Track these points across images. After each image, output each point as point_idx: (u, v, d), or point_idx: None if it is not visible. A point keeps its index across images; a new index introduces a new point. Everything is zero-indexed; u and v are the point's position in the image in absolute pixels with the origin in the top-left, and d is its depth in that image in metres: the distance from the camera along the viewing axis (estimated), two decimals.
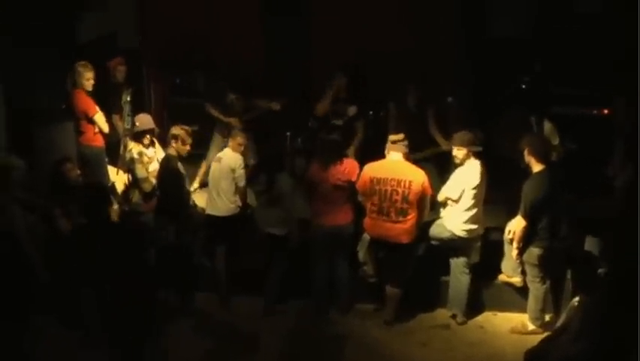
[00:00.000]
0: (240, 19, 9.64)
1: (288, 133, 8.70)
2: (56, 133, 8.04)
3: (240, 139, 7.56)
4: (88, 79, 8.03)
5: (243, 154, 7.57)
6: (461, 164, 7.08)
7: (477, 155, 7.09)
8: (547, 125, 7.71)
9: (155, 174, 7.49)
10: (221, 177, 7.46)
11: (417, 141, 7.48)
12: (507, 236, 7.03)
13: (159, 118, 8.81)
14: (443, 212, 7.25)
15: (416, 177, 6.98)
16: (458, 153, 7.08)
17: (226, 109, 8.67)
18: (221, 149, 7.88)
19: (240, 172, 7.44)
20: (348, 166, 7.26)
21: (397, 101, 8.25)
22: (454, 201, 7.09)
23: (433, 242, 7.32)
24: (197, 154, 8.50)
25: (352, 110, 8.33)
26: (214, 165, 7.62)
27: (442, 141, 7.99)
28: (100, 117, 8.14)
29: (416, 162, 7.40)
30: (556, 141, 7.64)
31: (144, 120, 7.72)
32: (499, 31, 9.27)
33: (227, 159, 7.49)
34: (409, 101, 8.15)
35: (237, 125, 8.42)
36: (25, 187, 6.80)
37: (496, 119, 8.21)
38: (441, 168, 7.91)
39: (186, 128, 7.33)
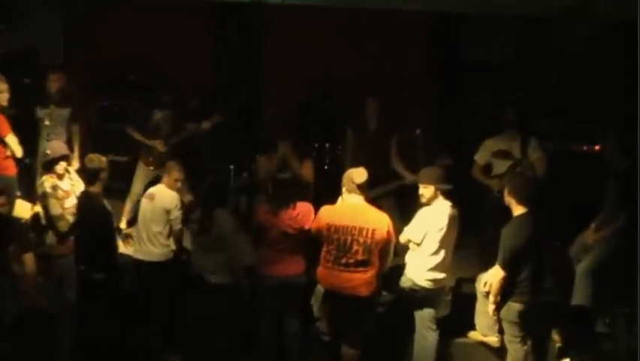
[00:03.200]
0: (185, 38, 9.77)
1: (232, 166, 8.68)
2: None
3: (176, 174, 7.37)
4: (1, 91, 7.80)
5: (179, 191, 7.41)
6: (428, 203, 6.88)
7: (447, 194, 6.90)
8: (533, 143, 7.74)
9: (73, 210, 7.21)
10: (154, 218, 7.28)
11: (376, 173, 7.27)
12: (482, 288, 6.83)
13: (82, 146, 8.64)
14: (406, 258, 7.08)
15: (380, 223, 6.69)
16: (425, 191, 6.87)
17: (150, 131, 8.51)
18: (146, 181, 7.78)
19: (177, 214, 7.28)
20: (301, 211, 7.00)
21: (355, 125, 8.23)
22: (416, 244, 6.90)
23: (395, 294, 7.15)
24: (123, 188, 8.51)
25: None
26: (144, 204, 7.40)
27: (405, 173, 7.96)
28: (12, 139, 7.83)
29: (376, 198, 7.28)
30: (539, 154, 7.70)
31: (56, 147, 7.45)
32: (478, 54, 9.53)
33: (162, 198, 7.31)
34: (368, 124, 8.10)
35: (161, 149, 8.37)
36: None
37: (471, 143, 8.22)
38: (403, 202, 7.92)
39: (101, 157, 7.09)
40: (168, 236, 7.28)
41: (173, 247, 7.32)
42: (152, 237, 7.24)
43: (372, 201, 7.03)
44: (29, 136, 8.27)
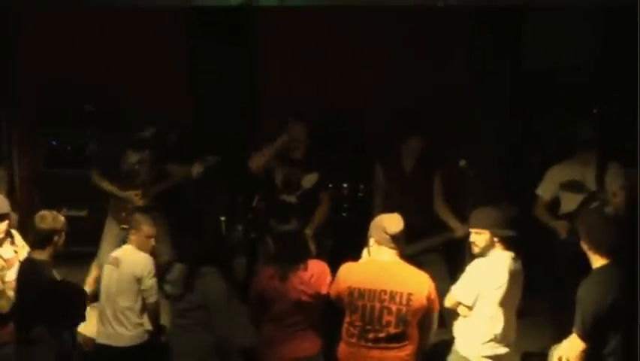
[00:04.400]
0: (157, 55, 9.98)
1: (223, 218, 8.85)
2: None
3: (147, 229, 7.39)
4: None
5: (152, 253, 7.43)
6: (481, 254, 6.88)
7: (506, 242, 6.84)
8: (613, 170, 7.74)
9: (14, 285, 7.16)
10: (120, 290, 7.28)
11: (415, 223, 7.24)
12: None
13: (26, 198, 8.91)
14: (454, 327, 7.07)
15: (418, 286, 6.61)
16: (477, 238, 6.86)
17: (123, 179, 8.51)
18: (119, 243, 7.74)
19: (150, 283, 7.28)
20: (314, 272, 6.94)
21: (387, 162, 8.30)
22: (467, 308, 6.86)
23: None
24: (84, 252, 8.53)
25: (310, 180, 8.19)
26: (107, 272, 7.41)
27: (454, 222, 8.02)
28: None
29: (414, 256, 7.24)
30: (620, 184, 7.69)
31: None
32: (535, 61, 9.70)
33: (129, 262, 7.32)
34: (404, 162, 8.16)
35: (139, 202, 8.44)
36: None
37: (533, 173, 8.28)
38: (453, 258, 7.97)
39: (58, 215, 7.01)
40: (141, 312, 7.30)
41: (148, 326, 7.32)
42: (120, 314, 7.23)
43: (410, 258, 7.01)
44: None
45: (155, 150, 8.74)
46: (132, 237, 7.41)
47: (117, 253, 7.46)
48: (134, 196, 8.49)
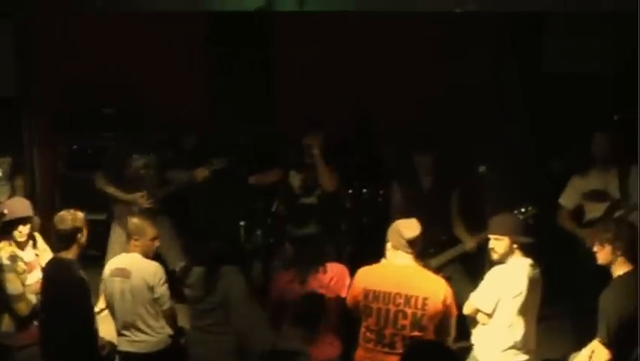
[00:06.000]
0: (175, 58, 10.00)
1: (242, 223, 8.75)
2: None
3: (150, 231, 7.26)
4: None
5: (152, 257, 7.32)
6: (500, 261, 6.86)
7: (525, 249, 6.84)
8: (635, 176, 7.71)
9: (37, 288, 7.18)
10: (136, 299, 7.18)
11: (430, 237, 7.24)
12: None
13: (47, 202, 8.91)
14: (473, 335, 7.03)
15: (434, 290, 6.57)
16: (496, 245, 6.87)
17: (128, 183, 8.55)
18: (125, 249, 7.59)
19: (162, 290, 7.19)
20: (334, 274, 6.95)
21: (403, 177, 8.34)
22: (486, 315, 6.85)
23: None
24: (102, 256, 8.42)
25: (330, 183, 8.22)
26: (118, 285, 7.22)
27: (465, 237, 8.10)
28: None
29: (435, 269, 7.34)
30: None
31: (16, 206, 7.47)
32: (555, 64, 9.68)
33: (139, 271, 7.19)
34: (421, 179, 8.22)
35: (145, 204, 8.44)
36: None
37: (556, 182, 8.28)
38: (472, 267, 7.95)
39: (77, 213, 7.01)
40: (159, 317, 7.26)
41: (168, 330, 7.29)
42: (141, 322, 7.19)
43: (434, 269, 7.10)
44: None
45: (160, 154, 8.76)
46: (136, 243, 7.25)
47: (124, 264, 7.27)
48: (140, 198, 8.48)
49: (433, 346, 5.59)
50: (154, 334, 7.22)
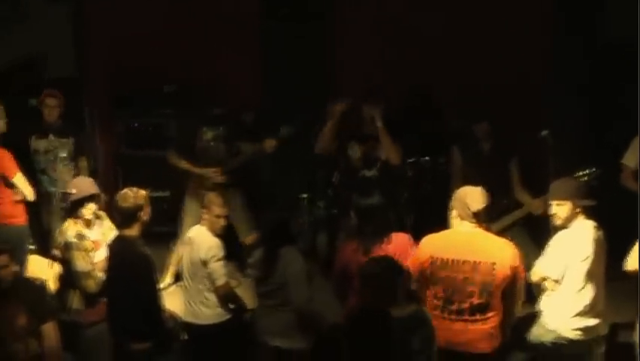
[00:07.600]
0: (229, 35, 10.00)
1: (304, 195, 8.85)
2: None
3: (216, 209, 7.37)
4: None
5: (219, 233, 7.37)
6: (564, 226, 6.84)
7: (589, 212, 6.82)
8: None
9: (104, 265, 7.25)
10: (194, 271, 7.35)
11: (495, 203, 7.25)
12: None
13: (109, 180, 9.05)
14: (542, 301, 7.01)
15: (502, 255, 6.57)
16: (559, 210, 6.84)
17: (199, 156, 8.60)
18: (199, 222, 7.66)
19: (214, 266, 7.24)
20: (398, 244, 6.98)
21: (463, 143, 8.42)
22: (554, 282, 6.83)
23: (529, 352, 7.01)
24: (167, 232, 8.60)
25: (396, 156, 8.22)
26: (183, 252, 7.49)
27: (528, 200, 8.13)
28: (21, 179, 8.09)
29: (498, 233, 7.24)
30: None
31: (82, 185, 7.55)
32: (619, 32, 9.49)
33: (199, 244, 7.35)
34: (481, 144, 8.30)
35: (218, 179, 8.46)
36: None
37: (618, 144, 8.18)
38: (535, 232, 7.90)
39: (138, 191, 7.01)
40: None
41: (229, 305, 7.40)
42: (199, 294, 7.32)
43: (497, 232, 7.06)
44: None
45: (228, 127, 8.77)
46: (205, 216, 7.41)
47: (191, 232, 7.49)
48: (212, 173, 8.48)
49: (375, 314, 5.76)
50: (213, 307, 7.32)
